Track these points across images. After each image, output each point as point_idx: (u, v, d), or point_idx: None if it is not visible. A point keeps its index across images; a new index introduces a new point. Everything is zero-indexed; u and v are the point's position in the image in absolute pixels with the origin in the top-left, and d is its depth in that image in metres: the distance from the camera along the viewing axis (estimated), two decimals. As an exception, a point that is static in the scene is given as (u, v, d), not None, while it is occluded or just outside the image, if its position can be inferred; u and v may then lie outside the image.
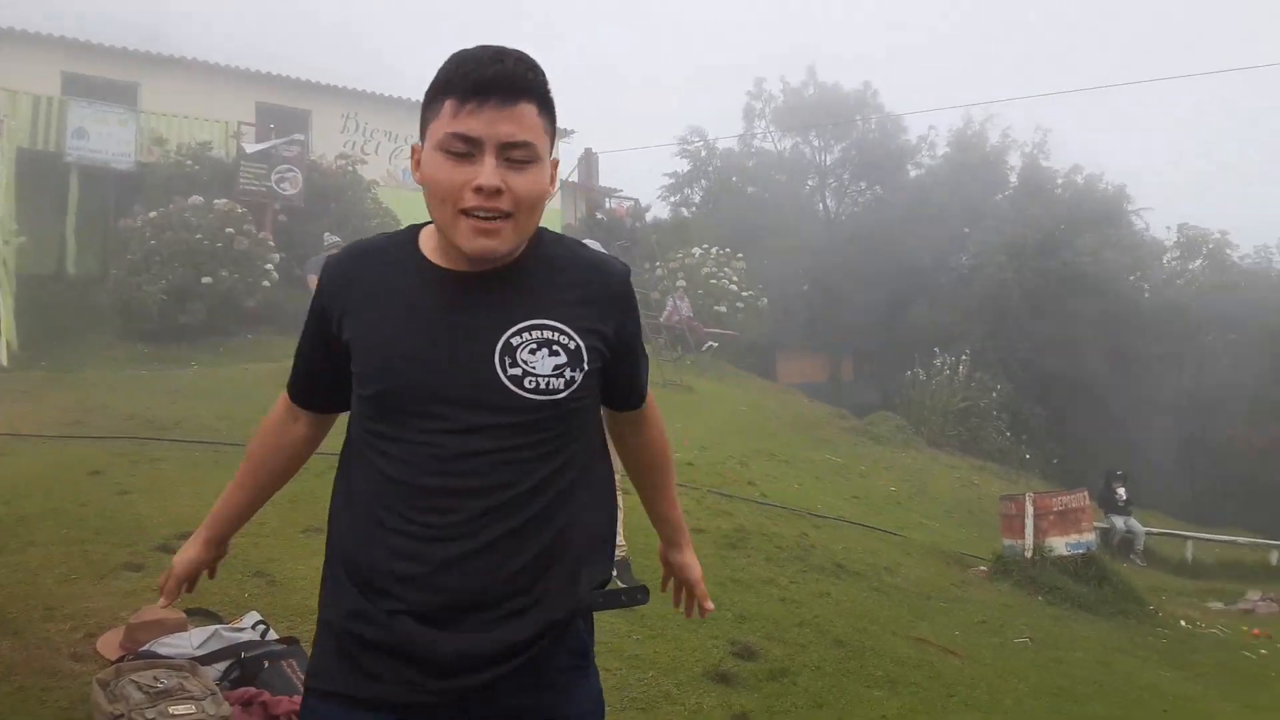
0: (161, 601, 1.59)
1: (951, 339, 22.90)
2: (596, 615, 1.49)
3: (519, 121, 1.32)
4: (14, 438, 7.17)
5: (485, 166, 1.31)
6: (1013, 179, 28.39)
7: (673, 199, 31.90)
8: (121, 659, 3.35)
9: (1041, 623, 6.56)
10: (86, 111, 16.50)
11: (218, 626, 3.63)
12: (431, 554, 1.33)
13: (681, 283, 20.25)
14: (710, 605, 1.83)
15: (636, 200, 23.43)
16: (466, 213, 1.33)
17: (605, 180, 24.59)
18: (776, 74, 39.96)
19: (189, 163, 16.18)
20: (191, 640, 3.51)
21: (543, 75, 1.37)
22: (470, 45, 1.35)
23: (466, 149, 1.32)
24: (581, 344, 1.41)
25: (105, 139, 16.45)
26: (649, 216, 25.93)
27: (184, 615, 3.76)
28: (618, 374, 1.53)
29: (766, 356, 27.32)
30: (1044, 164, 28.38)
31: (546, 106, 1.37)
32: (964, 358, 20.14)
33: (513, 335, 1.38)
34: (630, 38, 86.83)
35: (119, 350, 13.52)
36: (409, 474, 1.35)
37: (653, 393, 1.67)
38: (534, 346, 1.38)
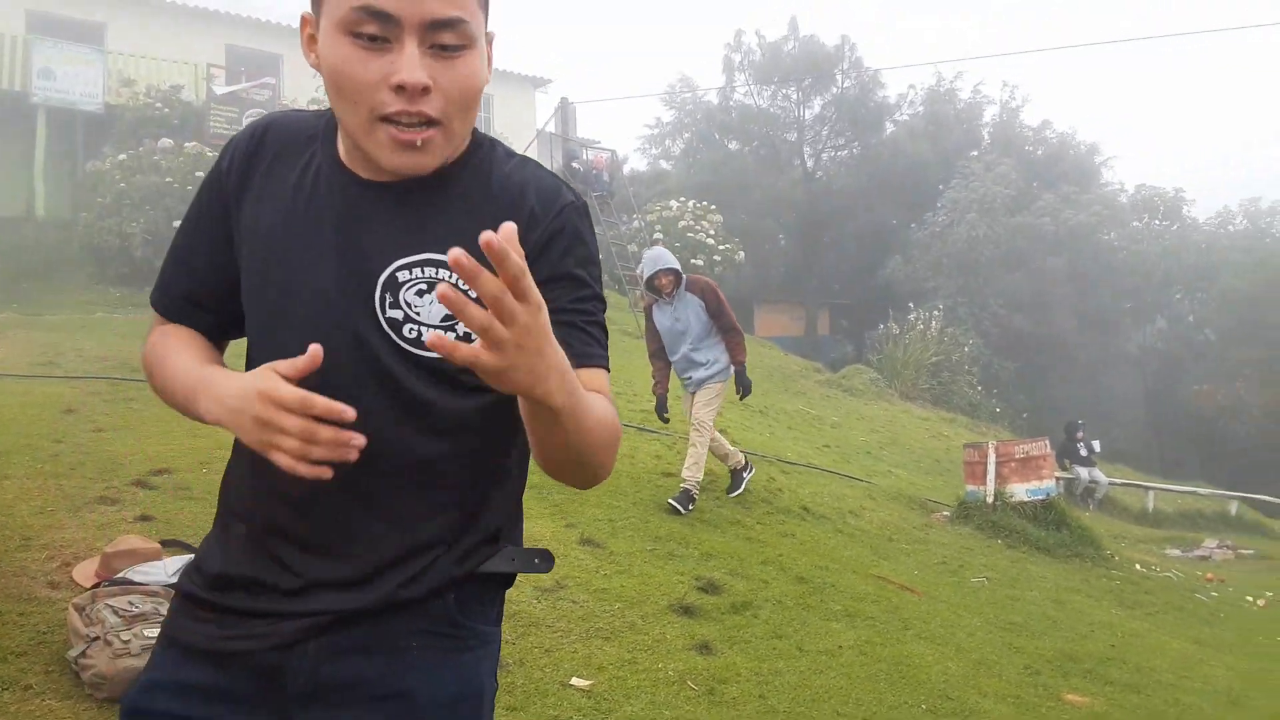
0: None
1: (925, 294, 23.11)
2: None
3: None
4: (-15, 377, 7.16)
5: (406, 57, 1.00)
6: (986, 136, 28.46)
7: (653, 151, 31.81)
8: (97, 585, 3.43)
9: (999, 563, 6.76)
10: (52, 51, 16.18)
11: (191, 555, 3.71)
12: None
13: (659, 235, 20.24)
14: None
15: (614, 151, 23.30)
16: (385, 119, 1.02)
17: (582, 131, 24.41)
18: (755, 27, 39.54)
19: (158, 105, 15.93)
20: (166, 569, 3.58)
21: None
22: None
23: (379, 31, 0.99)
24: None
25: (72, 79, 16.16)
26: (626, 169, 25.82)
27: (159, 545, 3.84)
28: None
29: (744, 310, 27.43)
30: (1017, 122, 28.49)
31: None
32: (937, 313, 20.34)
33: (400, 268, 1.08)
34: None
35: (90, 293, 13.42)
36: None
37: (608, 382, 1.15)
38: (423, 287, 1.08)
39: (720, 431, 6.86)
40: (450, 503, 1.13)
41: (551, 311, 0.90)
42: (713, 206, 22.10)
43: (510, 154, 1.18)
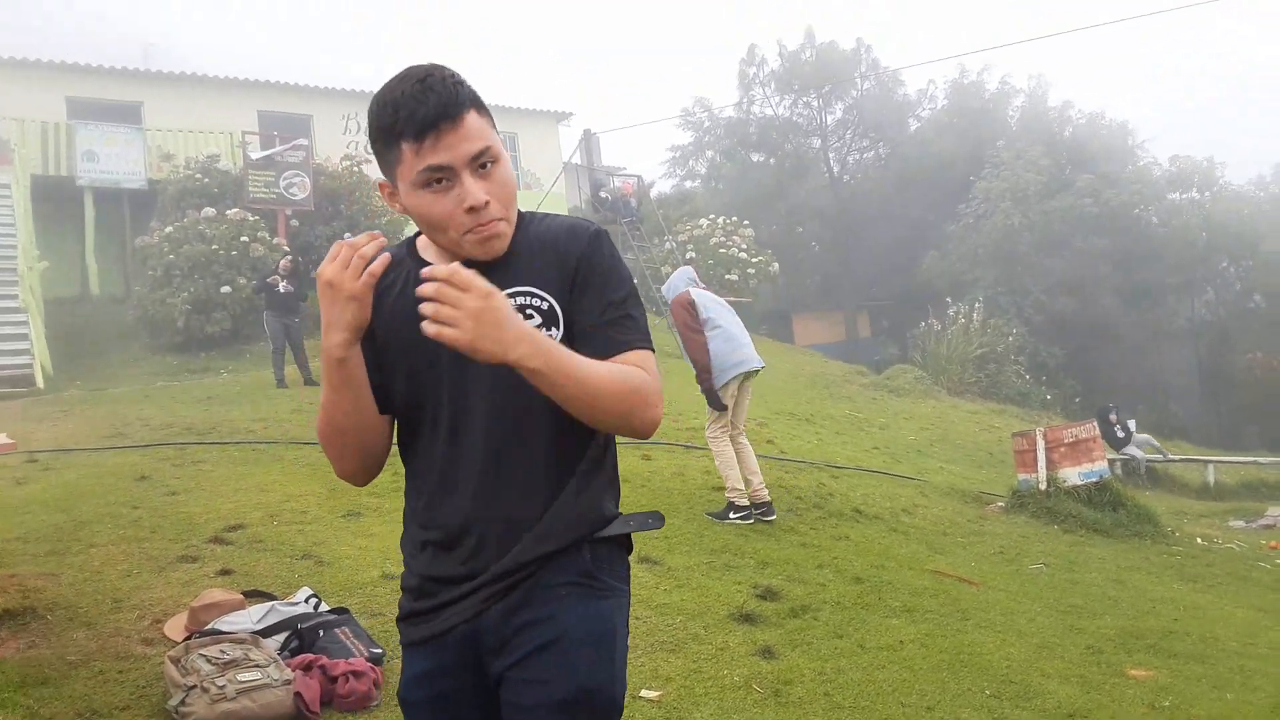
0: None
1: (964, 287, 23.01)
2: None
3: (471, 134, 1.40)
4: (61, 453, 7.51)
5: (467, 187, 1.40)
6: (1013, 124, 28.29)
7: (678, 173, 32.06)
8: (188, 638, 3.64)
9: (1057, 549, 6.78)
10: (94, 133, 16.86)
11: (274, 603, 3.92)
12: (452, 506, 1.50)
13: (691, 254, 20.42)
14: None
15: (639, 177, 23.56)
16: (468, 231, 1.43)
17: (607, 160, 24.73)
18: (772, 39, 39.68)
19: (198, 176, 16.50)
20: (251, 616, 3.80)
21: (465, 81, 1.44)
22: (406, 69, 1.43)
23: (443, 177, 1.40)
24: (555, 303, 1.49)
25: (114, 159, 16.82)
26: (653, 192, 26.08)
27: (241, 596, 4.06)
28: (578, 318, 1.50)
29: (783, 320, 27.49)
30: (1043, 107, 28.28)
31: (480, 105, 1.44)
32: (977, 305, 20.26)
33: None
34: (623, 17, 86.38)
35: (148, 364, 13.90)
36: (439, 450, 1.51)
37: (652, 363, 1.52)
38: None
39: (768, 442, 6.91)
40: (567, 472, 1.50)
41: (596, 321, 1.48)
42: (745, 222, 22.25)
43: (530, 215, 1.58)
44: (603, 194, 21.43)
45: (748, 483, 6.27)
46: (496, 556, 1.47)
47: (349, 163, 17.96)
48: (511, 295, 1.44)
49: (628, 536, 1.58)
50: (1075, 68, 44.56)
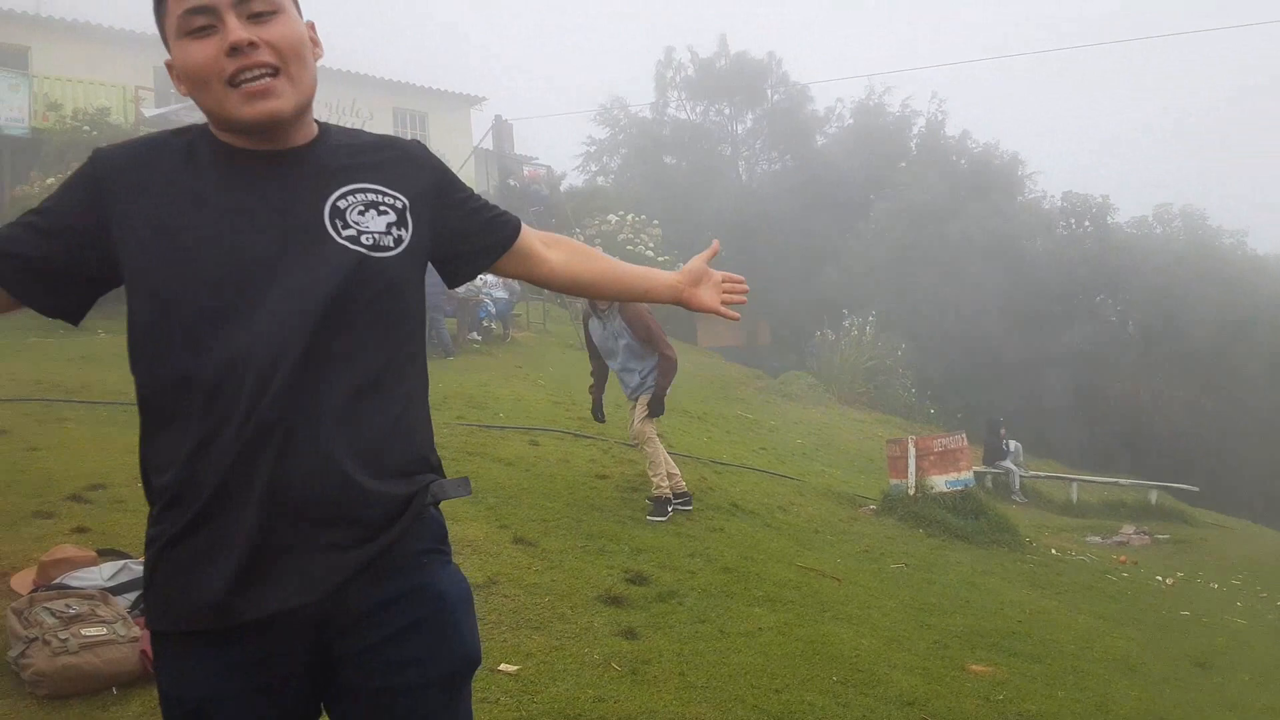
0: None
1: (859, 301, 23.66)
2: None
3: None
4: (-86, 403, 7.12)
5: (229, 28, 1.24)
6: (913, 148, 29.24)
7: (591, 168, 32.08)
8: (34, 592, 3.53)
9: (919, 551, 7.08)
10: (-25, 76, 15.98)
11: (127, 561, 3.82)
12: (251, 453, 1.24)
13: (599, 248, 20.47)
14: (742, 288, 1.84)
15: (549, 167, 23.51)
16: (232, 82, 1.25)
17: (519, 149, 24.60)
18: (686, 43, 40.06)
19: (86, 128, 15.76)
20: (103, 573, 3.70)
21: None
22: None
23: (206, 21, 1.25)
24: (406, 202, 1.38)
25: (-4, 104, 15.97)
26: (564, 185, 26.03)
27: (95, 554, 3.94)
28: (469, 223, 1.50)
29: (686, 322, 27.75)
30: (941, 134, 29.32)
31: None
32: (870, 319, 20.88)
33: (339, 199, 1.33)
34: (544, 8, 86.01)
35: (21, 317, 13.20)
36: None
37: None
38: (362, 208, 1.34)
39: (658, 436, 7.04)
40: (404, 416, 1.37)
41: (453, 198, 1.46)
42: (654, 221, 22.40)
43: (339, 127, 1.44)
44: (511, 181, 21.31)
45: (670, 476, 6.48)
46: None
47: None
48: (360, 191, 1.35)
49: None
50: (977, 98, 46.37)
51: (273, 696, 1.30)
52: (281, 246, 1.28)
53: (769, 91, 29.58)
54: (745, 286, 1.81)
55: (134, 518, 4.69)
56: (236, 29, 1.24)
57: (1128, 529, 11.51)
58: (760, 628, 4.54)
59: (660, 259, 21.43)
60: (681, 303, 1.78)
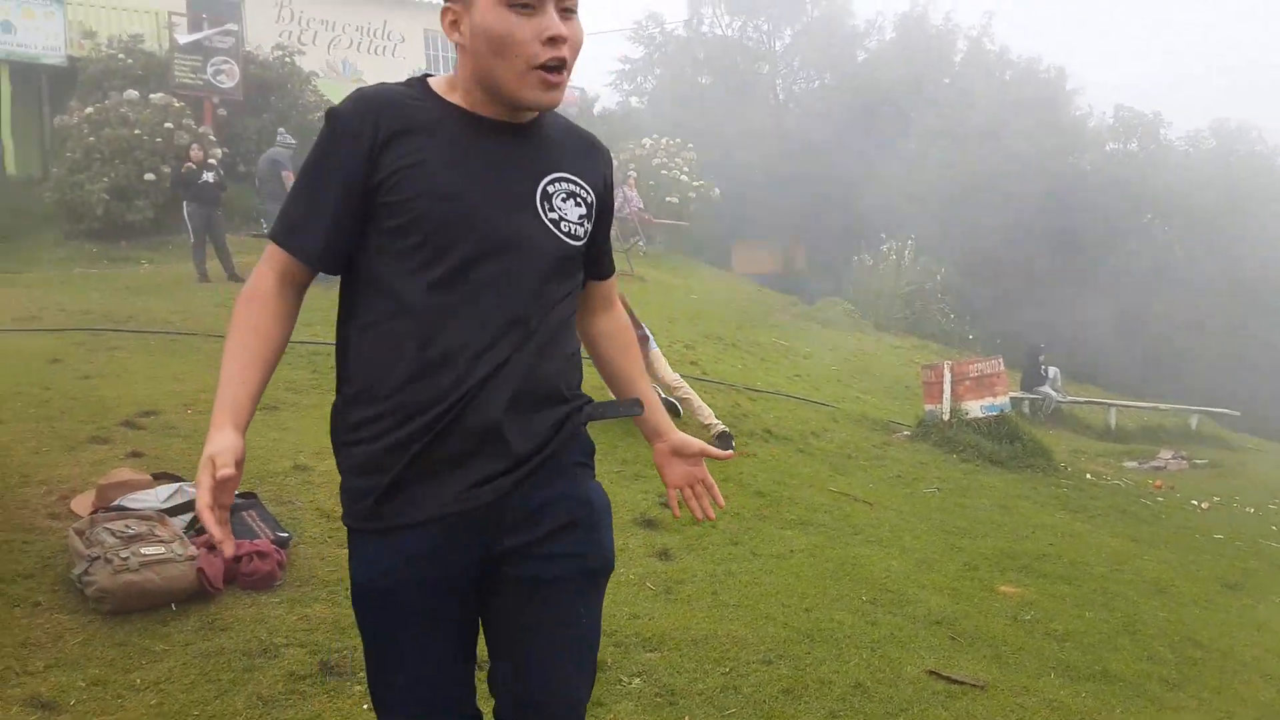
0: (218, 534, 1.38)
1: (898, 225, 23.32)
2: None
3: None
4: (-31, 333, 7.35)
5: (551, 17, 1.39)
6: (956, 64, 28.41)
7: (625, 87, 31.60)
8: (94, 513, 3.70)
9: (952, 475, 7.13)
10: (9, 3, 15.99)
11: (181, 484, 3.98)
12: (469, 371, 1.42)
13: (633, 173, 20.31)
14: (721, 500, 1.85)
15: (583, 89, 23.20)
16: (539, 66, 1.40)
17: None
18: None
19: (121, 56, 15.81)
20: (158, 496, 3.86)
21: None
22: None
23: (530, 2, 1.38)
24: (595, 199, 1.57)
25: (32, 32, 16.02)
26: (597, 108, 25.73)
27: (150, 477, 4.11)
28: (598, 236, 1.63)
29: (722, 247, 27.56)
30: (988, 48, 28.42)
31: None
32: (910, 242, 20.59)
33: (549, 183, 1.51)
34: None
35: (66, 249, 13.49)
36: (446, 301, 1.42)
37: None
38: (564, 196, 1.52)
39: (692, 364, 7.14)
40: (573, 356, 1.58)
41: (607, 212, 1.61)
42: (689, 144, 22.11)
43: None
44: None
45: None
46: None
47: (281, 53, 17.33)
48: (564, 180, 1.52)
49: None
50: (1024, 4, 44.61)
51: (450, 584, 1.49)
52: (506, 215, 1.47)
53: (808, 4, 28.78)
54: (719, 502, 1.85)
55: (186, 443, 4.86)
56: (558, 24, 1.39)
57: (1165, 454, 11.45)
58: (792, 550, 4.64)
59: (695, 183, 21.23)
60: (652, 447, 1.87)
